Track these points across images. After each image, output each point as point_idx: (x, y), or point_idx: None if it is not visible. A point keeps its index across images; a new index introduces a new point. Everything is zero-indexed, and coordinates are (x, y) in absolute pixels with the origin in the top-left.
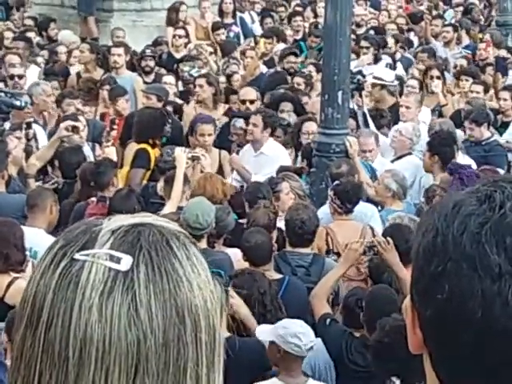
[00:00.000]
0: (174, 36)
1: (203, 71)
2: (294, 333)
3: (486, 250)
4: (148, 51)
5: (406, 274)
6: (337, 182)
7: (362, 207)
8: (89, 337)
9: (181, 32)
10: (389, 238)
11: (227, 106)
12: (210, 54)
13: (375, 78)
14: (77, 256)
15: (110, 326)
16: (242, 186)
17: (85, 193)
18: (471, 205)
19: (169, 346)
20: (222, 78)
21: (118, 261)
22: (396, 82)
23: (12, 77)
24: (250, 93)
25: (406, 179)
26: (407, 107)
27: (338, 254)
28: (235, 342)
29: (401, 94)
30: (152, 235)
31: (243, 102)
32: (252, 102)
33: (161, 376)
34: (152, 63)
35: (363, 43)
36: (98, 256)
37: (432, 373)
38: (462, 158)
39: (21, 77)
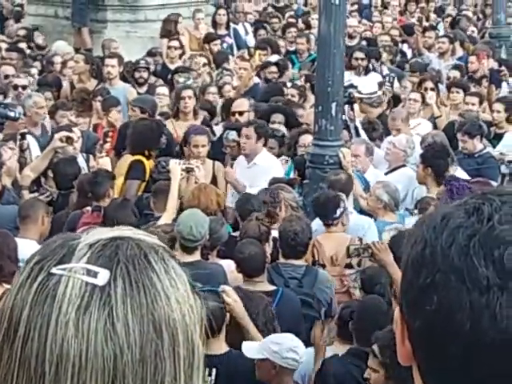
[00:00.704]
0: (169, 47)
1: (197, 82)
2: (289, 347)
3: (474, 263)
4: (142, 62)
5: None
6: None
7: (358, 219)
8: (65, 352)
9: (175, 43)
10: (383, 241)
11: (203, 116)
12: (204, 65)
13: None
14: (53, 270)
15: (86, 341)
16: None
17: (81, 203)
18: (459, 217)
19: (146, 361)
20: (214, 89)
21: (95, 275)
22: (379, 93)
23: (16, 87)
24: (240, 104)
25: (397, 191)
26: (397, 130)
27: (324, 266)
28: (230, 356)
29: (392, 103)
30: (130, 249)
31: (233, 113)
32: (241, 113)
33: None
34: (146, 74)
35: (358, 54)
36: (74, 270)
37: None
38: (456, 171)
39: (24, 87)
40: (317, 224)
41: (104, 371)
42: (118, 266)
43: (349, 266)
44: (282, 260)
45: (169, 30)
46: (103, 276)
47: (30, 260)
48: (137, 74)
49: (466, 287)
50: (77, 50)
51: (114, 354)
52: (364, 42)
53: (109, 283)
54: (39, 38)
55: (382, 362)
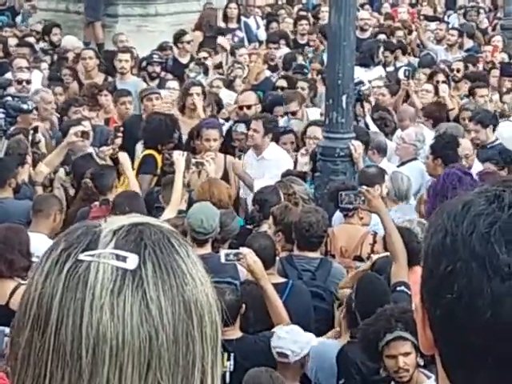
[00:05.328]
0: (181, 42)
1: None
2: (278, 336)
3: (495, 250)
4: (155, 57)
5: (392, 226)
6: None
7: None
8: (102, 335)
9: (188, 38)
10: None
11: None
12: (205, 58)
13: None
14: (81, 257)
15: (122, 323)
16: None
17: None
18: (480, 205)
19: (178, 341)
20: (217, 82)
21: (124, 260)
22: (368, 85)
23: (20, 81)
24: (248, 98)
25: (404, 181)
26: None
27: (333, 257)
28: (245, 340)
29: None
30: (153, 234)
31: (241, 107)
32: (248, 107)
33: (172, 370)
34: (158, 69)
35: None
36: (103, 256)
37: (443, 373)
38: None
39: (28, 82)
40: (338, 216)
41: (140, 352)
42: (145, 250)
43: (358, 258)
44: (296, 252)
45: (209, 23)
46: (132, 260)
47: (54, 248)
48: (150, 68)
49: (487, 275)
50: (86, 44)
51: (150, 335)
52: (383, 36)
53: (139, 267)
54: (55, 37)
55: (414, 343)
